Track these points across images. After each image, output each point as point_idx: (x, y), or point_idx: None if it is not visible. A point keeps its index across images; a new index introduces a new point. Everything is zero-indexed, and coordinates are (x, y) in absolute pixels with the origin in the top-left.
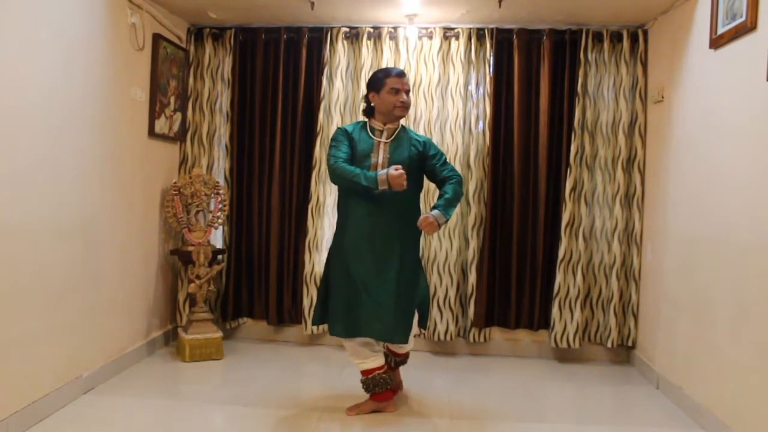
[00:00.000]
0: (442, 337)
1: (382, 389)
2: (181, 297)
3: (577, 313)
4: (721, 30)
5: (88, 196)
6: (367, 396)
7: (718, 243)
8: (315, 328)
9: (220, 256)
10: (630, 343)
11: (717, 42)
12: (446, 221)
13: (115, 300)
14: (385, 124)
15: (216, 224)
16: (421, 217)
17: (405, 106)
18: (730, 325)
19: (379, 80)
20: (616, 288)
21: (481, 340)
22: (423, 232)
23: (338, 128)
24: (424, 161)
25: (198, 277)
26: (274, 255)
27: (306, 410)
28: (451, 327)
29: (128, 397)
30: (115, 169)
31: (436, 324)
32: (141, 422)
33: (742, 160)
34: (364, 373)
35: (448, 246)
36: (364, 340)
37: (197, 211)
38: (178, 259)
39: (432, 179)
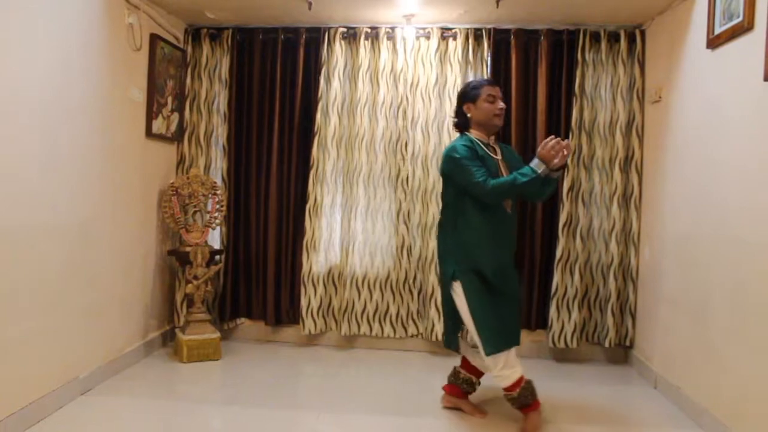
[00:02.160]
0: (439, 337)
1: (535, 396)
2: (178, 297)
3: (575, 313)
4: (718, 30)
5: (86, 196)
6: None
7: (716, 242)
8: (313, 327)
9: (217, 257)
10: (628, 343)
11: (714, 42)
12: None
13: (113, 300)
14: (488, 137)
15: (213, 225)
16: (548, 147)
17: (503, 114)
18: (728, 324)
19: (474, 89)
20: (613, 288)
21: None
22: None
23: (459, 147)
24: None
25: (196, 277)
26: (272, 255)
27: (304, 411)
28: None
29: (126, 397)
30: (112, 170)
31: (434, 324)
32: (139, 423)
33: (740, 160)
34: (517, 383)
35: None
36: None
37: (195, 212)
38: (176, 259)
39: None
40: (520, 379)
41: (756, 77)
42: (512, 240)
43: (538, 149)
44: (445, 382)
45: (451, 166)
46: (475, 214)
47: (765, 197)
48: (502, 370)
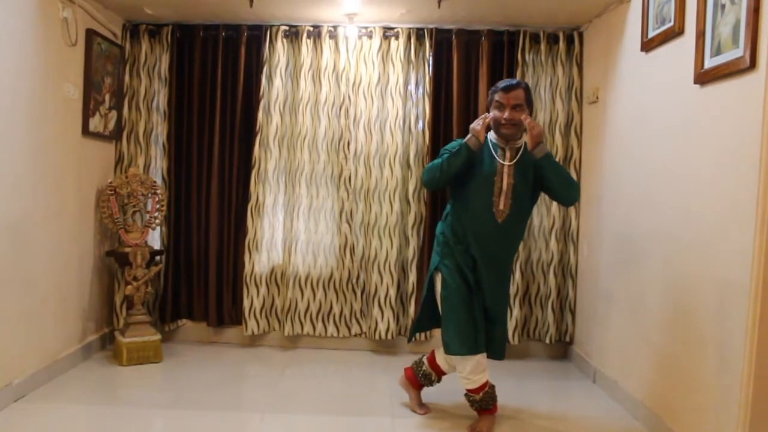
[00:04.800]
0: (383, 336)
1: (495, 401)
2: (117, 299)
3: (517, 310)
4: (651, 34)
5: (18, 196)
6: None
7: (649, 240)
8: (256, 328)
9: (158, 257)
10: (568, 339)
11: (648, 45)
12: (547, 150)
13: (48, 303)
14: (507, 142)
15: (153, 225)
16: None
17: (511, 123)
18: (661, 319)
19: (491, 93)
20: (554, 285)
21: (422, 338)
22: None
23: (457, 141)
24: (542, 177)
25: (135, 278)
26: (214, 255)
27: (248, 413)
28: (392, 326)
29: (63, 403)
30: (46, 169)
31: (377, 323)
32: (76, 430)
33: (673, 160)
34: (482, 387)
35: (389, 245)
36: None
37: (134, 212)
38: (115, 260)
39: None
40: (485, 383)
41: (687, 80)
42: (501, 252)
43: (473, 125)
44: (388, 383)
45: None
46: (460, 209)
47: (695, 196)
48: (470, 374)
